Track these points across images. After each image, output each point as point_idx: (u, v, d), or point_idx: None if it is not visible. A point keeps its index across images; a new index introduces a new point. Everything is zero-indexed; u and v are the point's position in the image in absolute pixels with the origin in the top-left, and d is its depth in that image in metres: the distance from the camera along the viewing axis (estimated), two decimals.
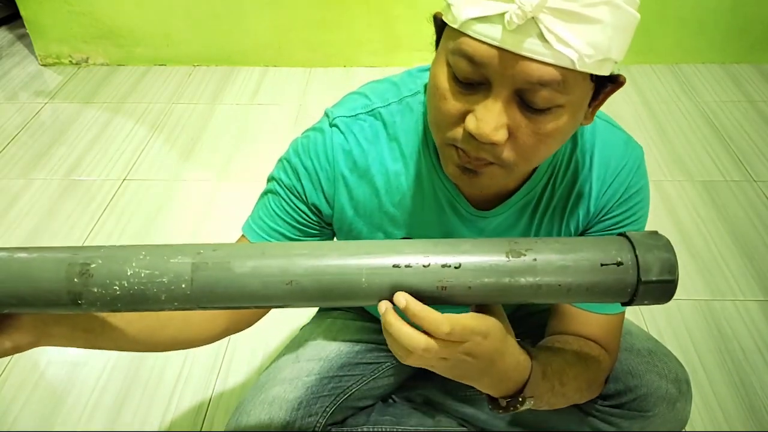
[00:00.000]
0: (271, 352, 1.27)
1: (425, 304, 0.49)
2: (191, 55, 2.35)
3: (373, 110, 0.68)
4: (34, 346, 0.53)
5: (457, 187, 0.67)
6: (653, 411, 0.74)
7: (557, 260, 0.48)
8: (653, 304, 0.50)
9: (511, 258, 0.49)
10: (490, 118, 0.50)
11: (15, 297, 0.47)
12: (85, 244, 1.51)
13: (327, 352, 0.86)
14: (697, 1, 2.16)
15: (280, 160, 0.72)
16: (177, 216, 1.64)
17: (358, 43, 2.29)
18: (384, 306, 0.49)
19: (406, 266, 0.48)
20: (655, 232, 0.51)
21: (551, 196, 0.69)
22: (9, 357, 1.24)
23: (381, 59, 2.32)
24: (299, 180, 0.68)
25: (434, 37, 0.57)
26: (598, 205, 0.68)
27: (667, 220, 1.59)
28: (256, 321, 0.77)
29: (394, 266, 0.48)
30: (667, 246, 0.49)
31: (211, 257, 0.48)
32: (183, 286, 0.47)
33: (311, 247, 0.50)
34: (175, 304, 0.48)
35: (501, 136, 0.51)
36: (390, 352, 0.90)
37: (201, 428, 1.13)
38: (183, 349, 0.70)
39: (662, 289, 0.49)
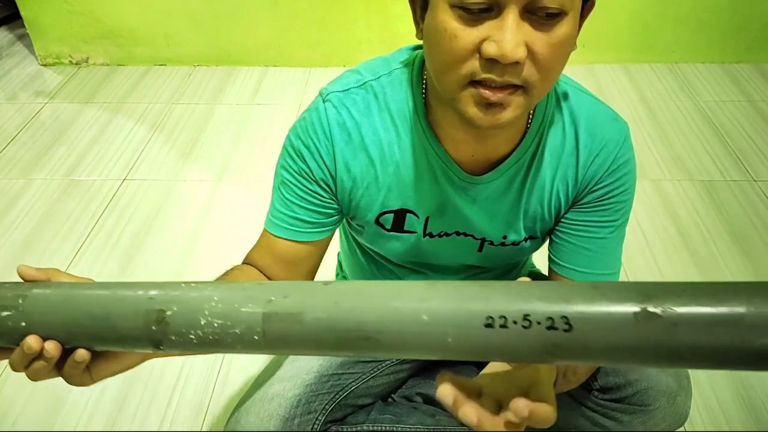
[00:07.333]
0: None
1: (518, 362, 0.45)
2: (191, 55, 2.35)
3: (364, 83, 0.70)
4: (141, 363, 0.58)
5: (448, 153, 0.68)
6: (654, 405, 0.75)
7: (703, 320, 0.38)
8: None
9: (640, 320, 0.39)
10: (509, 37, 0.51)
11: (102, 340, 0.50)
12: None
13: None
14: (696, 0, 2.16)
15: (283, 148, 0.73)
16: (177, 216, 1.64)
17: (357, 43, 2.29)
18: (451, 397, 0.46)
19: (501, 326, 0.41)
20: None
21: (540, 164, 0.70)
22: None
23: None
24: (304, 161, 0.70)
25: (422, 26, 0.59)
26: (587, 175, 0.70)
27: (666, 219, 1.59)
28: None
29: (486, 326, 0.41)
30: None
31: (282, 306, 0.47)
32: (255, 337, 0.47)
33: (388, 293, 0.45)
34: (250, 351, 0.49)
35: (522, 52, 0.52)
36: None
37: (201, 428, 1.13)
38: None
39: None
